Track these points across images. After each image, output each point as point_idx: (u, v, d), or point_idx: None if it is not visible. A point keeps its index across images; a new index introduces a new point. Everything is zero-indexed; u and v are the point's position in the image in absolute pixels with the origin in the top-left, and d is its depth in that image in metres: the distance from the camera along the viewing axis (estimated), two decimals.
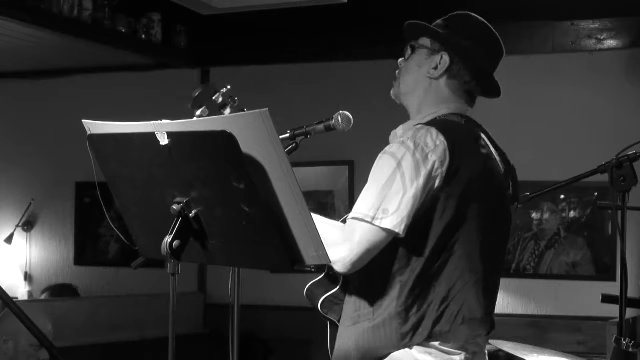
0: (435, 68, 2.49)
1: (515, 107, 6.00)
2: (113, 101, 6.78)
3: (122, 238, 2.37)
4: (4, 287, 2.64)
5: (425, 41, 2.54)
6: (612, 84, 5.83)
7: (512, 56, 5.89)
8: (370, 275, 2.34)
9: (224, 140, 1.93)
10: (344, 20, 5.96)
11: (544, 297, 5.87)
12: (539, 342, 5.45)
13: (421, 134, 2.32)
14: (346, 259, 2.24)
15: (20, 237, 7.23)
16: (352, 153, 6.16)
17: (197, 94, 2.45)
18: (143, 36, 6.16)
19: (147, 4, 6.17)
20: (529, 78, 5.98)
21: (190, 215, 2.06)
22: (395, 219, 2.24)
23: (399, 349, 2.33)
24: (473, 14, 2.59)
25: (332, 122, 2.57)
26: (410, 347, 2.33)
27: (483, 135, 2.50)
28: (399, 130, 2.51)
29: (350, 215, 2.29)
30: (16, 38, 5.92)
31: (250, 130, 1.95)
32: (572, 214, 5.86)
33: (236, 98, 2.46)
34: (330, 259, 2.18)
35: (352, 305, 2.41)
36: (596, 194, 5.73)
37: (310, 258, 2.05)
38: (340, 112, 2.57)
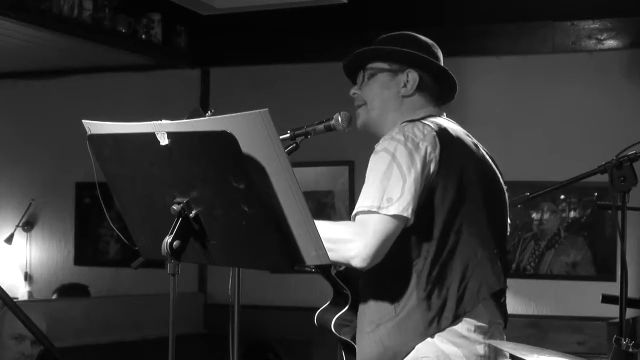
0: (405, 86, 2.54)
1: (515, 107, 6.00)
2: (113, 101, 6.78)
3: (122, 238, 2.37)
4: (4, 287, 2.64)
5: (380, 64, 2.56)
6: (612, 84, 5.82)
7: (512, 56, 6.01)
8: (385, 274, 2.37)
9: (224, 141, 1.93)
10: (344, 20, 5.96)
11: (544, 297, 5.86)
12: (539, 342, 5.46)
13: (408, 128, 2.39)
14: (363, 252, 2.26)
15: (20, 237, 7.23)
16: (352, 153, 6.15)
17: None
18: (143, 36, 6.16)
19: (147, 4, 6.17)
20: (529, 78, 5.98)
21: (190, 215, 2.06)
22: (400, 204, 2.28)
23: (425, 338, 2.35)
24: (397, 33, 2.63)
25: (332, 122, 2.57)
26: (432, 336, 2.36)
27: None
28: None
29: (355, 211, 2.32)
30: (16, 38, 5.91)
31: (250, 130, 1.95)
32: (572, 214, 5.86)
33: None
34: (346, 255, 2.25)
35: (372, 310, 2.43)
36: (596, 194, 5.73)
37: (310, 258, 2.05)
38: (341, 112, 2.57)
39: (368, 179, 2.36)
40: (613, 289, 3.01)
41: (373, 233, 2.26)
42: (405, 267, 2.37)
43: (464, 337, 2.37)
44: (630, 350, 2.68)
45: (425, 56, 2.55)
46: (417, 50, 2.55)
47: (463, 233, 2.40)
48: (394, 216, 2.28)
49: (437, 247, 2.37)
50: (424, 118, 2.48)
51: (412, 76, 2.54)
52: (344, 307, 2.53)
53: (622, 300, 2.76)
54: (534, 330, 5.74)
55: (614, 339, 2.72)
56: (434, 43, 2.62)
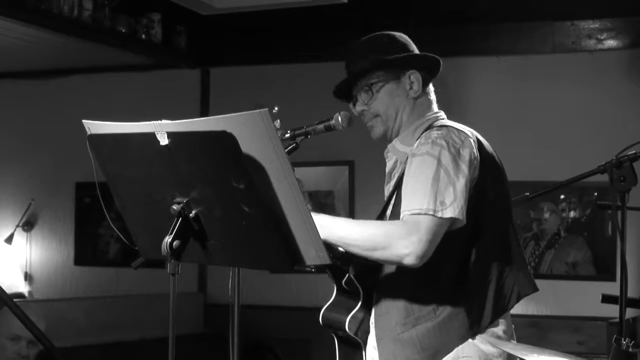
0: (411, 88, 2.55)
1: (516, 107, 6.00)
2: (113, 101, 6.78)
3: (122, 238, 2.38)
4: (4, 287, 2.64)
5: (380, 75, 2.54)
6: (612, 84, 5.82)
7: (512, 56, 6.01)
8: (423, 276, 2.37)
9: (225, 141, 1.93)
10: (344, 20, 5.96)
11: (544, 297, 5.86)
12: (539, 342, 5.46)
13: (445, 133, 2.39)
14: (417, 250, 2.25)
15: (20, 237, 7.23)
16: (352, 153, 6.16)
17: None
18: (143, 36, 6.16)
19: (147, 4, 6.17)
20: (529, 78, 5.98)
21: (190, 215, 2.06)
22: (455, 208, 2.29)
23: (467, 340, 2.38)
24: (371, 36, 2.61)
25: (332, 122, 2.57)
26: (473, 337, 2.38)
27: None
28: (397, 144, 2.55)
29: (406, 212, 2.30)
30: (16, 38, 5.91)
31: (250, 130, 1.95)
32: (572, 214, 5.86)
33: (278, 120, 2.46)
34: (399, 253, 2.25)
35: (404, 311, 2.42)
36: (596, 194, 5.73)
37: (310, 258, 2.05)
38: (341, 112, 2.57)
39: (414, 182, 2.34)
40: (613, 289, 3.01)
41: (426, 232, 2.26)
42: (444, 270, 2.38)
43: (499, 337, 2.41)
44: (630, 350, 2.68)
45: (418, 53, 2.57)
46: (405, 50, 2.56)
47: (499, 237, 2.44)
48: (448, 219, 2.29)
49: (477, 250, 2.39)
50: (442, 119, 2.52)
51: (415, 77, 2.54)
52: (355, 306, 2.51)
53: (622, 300, 2.76)
54: (534, 330, 5.74)
55: (614, 339, 2.72)
56: (402, 34, 2.62)
